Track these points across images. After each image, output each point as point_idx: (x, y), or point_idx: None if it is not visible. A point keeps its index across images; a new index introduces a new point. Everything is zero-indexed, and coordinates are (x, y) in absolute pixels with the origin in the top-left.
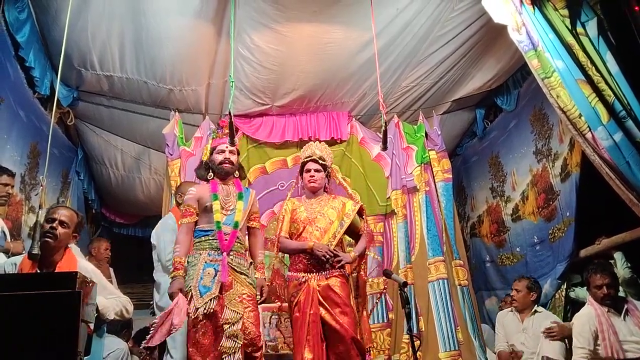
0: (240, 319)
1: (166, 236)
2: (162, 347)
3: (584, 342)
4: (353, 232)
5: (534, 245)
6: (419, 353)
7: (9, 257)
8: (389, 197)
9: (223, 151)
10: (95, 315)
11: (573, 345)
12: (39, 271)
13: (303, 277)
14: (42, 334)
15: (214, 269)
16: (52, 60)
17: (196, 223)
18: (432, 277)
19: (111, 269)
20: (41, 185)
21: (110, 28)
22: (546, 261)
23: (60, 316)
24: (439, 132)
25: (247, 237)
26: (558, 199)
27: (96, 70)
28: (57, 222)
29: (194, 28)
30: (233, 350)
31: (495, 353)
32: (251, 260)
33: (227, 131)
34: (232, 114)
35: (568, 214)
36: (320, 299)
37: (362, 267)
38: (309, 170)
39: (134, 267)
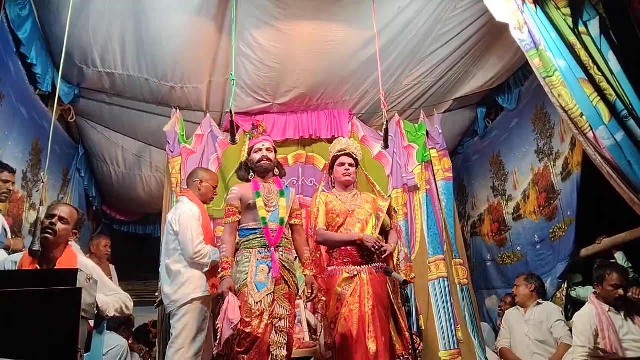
0: (288, 316)
1: (193, 225)
2: (163, 346)
3: (584, 341)
4: (381, 227)
5: (535, 244)
6: (418, 351)
7: (9, 254)
8: (390, 196)
9: (260, 149)
10: (96, 312)
11: (573, 343)
12: (39, 268)
13: (354, 269)
14: (43, 331)
15: (267, 265)
16: (53, 57)
17: (239, 222)
18: (432, 276)
19: (112, 266)
20: (42, 182)
21: (111, 25)
22: (547, 260)
23: (60, 313)
24: (440, 131)
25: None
26: (559, 198)
27: (97, 68)
28: (56, 218)
29: (195, 25)
30: (280, 345)
31: (495, 351)
32: (296, 256)
33: (262, 130)
34: (232, 112)
35: (569, 213)
36: (374, 295)
37: (394, 261)
38: (342, 164)
39: (134, 264)
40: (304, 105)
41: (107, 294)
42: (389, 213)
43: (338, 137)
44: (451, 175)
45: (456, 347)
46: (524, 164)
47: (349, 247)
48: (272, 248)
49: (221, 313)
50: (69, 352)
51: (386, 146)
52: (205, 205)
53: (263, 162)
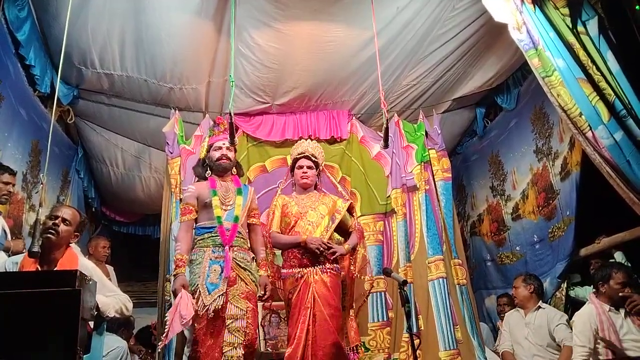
0: (244, 315)
1: None
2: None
3: (584, 341)
4: (343, 229)
5: (534, 244)
6: (418, 352)
7: (9, 255)
8: (389, 196)
9: (220, 148)
10: (95, 313)
11: (573, 343)
12: (40, 269)
13: (299, 272)
14: (43, 332)
15: (220, 265)
16: (52, 59)
17: (196, 221)
18: (432, 276)
19: (110, 267)
20: (41, 184)
21: (110, 26)
22: (546, 260)
23: (60, 314)
24: (439, 131)
25: (247, 234)
26: (558, 197)
27: (96, 69)
28: (59, 219)
29: (194, 26)
30: (235, 346)
31: (497, 353)
32: (253, 256)
33: (223, 128)
34: (232, 113)
35: (568, 212)
36: (316, 295)
37: (352, 263)
38: (301, 167)
39: (133, 265)
40: (303, 106)
41: (107, 294)
42: (350, 213)
43: (334, 138)
44: (450, 175)
45: (455, 348)
46: (522, 163)
47: (295, 250)
48: (227, 247)
49: (172, 307)
50: (69, 353)
51: (386, 145)
52: None
53: (222, 160)
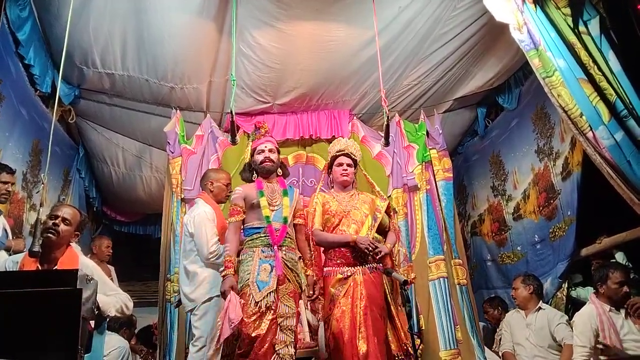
0: (293, 314)
1: (207, 226)
2: (163, 347)
3: (585, 341)
4: (379, 228)
5: (535, 244)
6: (419, 351)
7: (10, 254)
8: (390, 196)
9: (263, 151)
10: (96, 312)
11: (574, 343)
12: (40, 268)
13: (347, 270)
14: (43, 331)
15: (270, 264)
16: (53, 58)
17: (244, 221)
18: (432, 276)
19: (112, 267)
20: (42, 183)
21: (112, 26)
22: (547, 260)
23: (61, 313)
24: (440, 131)
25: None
26: (559, 197)
27: (97, 68)
28: (59, 219)
29: (195, 26)
30: (287, 344)
31: (498, 353)
32: (300, 255)
33: (264, 131)
34: (233, 112)
35: (569, 213)
36: (366, 294)
37: (392, 261)
38: (341, 164)
39: (134, 264)
40: (304, 106)
41: (108, 293)
42: (387, 213)
43: (338, 138)
44: (451, 175)
45: (456, 347)
46: (524, 163)
47: (343, 249)
48: (275, 247)
49: (222, 311)
50: (70, 353)
51: (387, 143)
52: (222, 205)
53: (265, 163)
